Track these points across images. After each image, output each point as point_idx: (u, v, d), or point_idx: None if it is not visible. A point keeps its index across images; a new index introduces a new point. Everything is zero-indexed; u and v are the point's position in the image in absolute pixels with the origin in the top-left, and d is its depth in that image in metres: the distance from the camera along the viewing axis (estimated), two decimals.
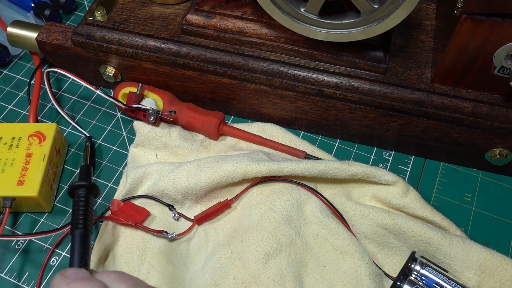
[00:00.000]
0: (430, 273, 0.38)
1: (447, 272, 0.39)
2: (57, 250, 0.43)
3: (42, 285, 0.42)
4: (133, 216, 0.42)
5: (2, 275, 0.42)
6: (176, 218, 0.44)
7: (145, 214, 0.43)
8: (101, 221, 0.44)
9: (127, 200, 0.44)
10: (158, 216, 0.44)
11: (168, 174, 0.44)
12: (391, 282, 0.40)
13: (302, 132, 0.51)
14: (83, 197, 0.34)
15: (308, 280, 0.40)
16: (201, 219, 0.43)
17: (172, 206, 0.43)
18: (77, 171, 0.48)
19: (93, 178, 0.47)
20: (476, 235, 0.44)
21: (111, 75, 0.50)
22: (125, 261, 0.41)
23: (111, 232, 0.43)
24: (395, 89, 0.44)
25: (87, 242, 0.32)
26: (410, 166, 0.49)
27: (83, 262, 0.31)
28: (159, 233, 0.42)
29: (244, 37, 0.45)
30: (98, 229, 0.44)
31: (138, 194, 0.44)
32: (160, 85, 0.50)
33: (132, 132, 0.50)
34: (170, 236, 0.42)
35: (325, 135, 0.51)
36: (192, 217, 0.44)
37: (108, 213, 0.43)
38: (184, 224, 0.44)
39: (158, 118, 0.48)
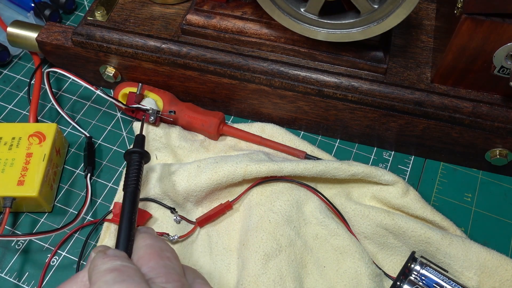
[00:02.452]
0: (430, 273, 0.38)
1: (447, 272, 0.39)
2: (57, 250, 0.43)
3: (43, 285, 0.42)
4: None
5: (2, 275, 0.42)
6: (177, 221, 0.44)
7: (147, 216, 0.43)
8: (103, 224, 0.44)
9: None
10: (159, 219, 0.44)
11: (169, 176, 0.44)
12: (391, 282, 0.40)
13: (302, 132, 0.51)
14: (136, 162, 0.39)
15: (308, 281, 0.40)
16: (202, 221, 0.43)
17: (174, 209, 0.43)
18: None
19: (93, 178, 0.48)
20: (476, 235, 0.44)
21: (111, 75, 0.50)
22: None
23: (113, 235, 0.43)
24: (395, 89, 0.44)
25: (136, 199, 0.37)
26: (410, 166, 0.49)
27: (130, 231, 0.34)
28: (161, 236, 0.42)
29: (244, 37, 0.45)
30: (100, 232, 0.44)
31: (140, 197, 0.44)
32: (160, 85, 0.50)
33: (132, 132, 0.50)
34: (172, 238, 0.42)
35: (325, 135, 0.51)
36: (194, 220, 0.44)
37: (110, 215, 0.43)
38: (186, 227, 0.44)
39: (158, 118, 0.48)
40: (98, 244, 0.43)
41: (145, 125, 0.48)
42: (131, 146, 0.41)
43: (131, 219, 0.35)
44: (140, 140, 0.42)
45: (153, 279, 0.29)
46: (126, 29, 0.47)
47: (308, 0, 0.41)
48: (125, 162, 0.47)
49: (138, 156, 0.40)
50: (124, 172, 0.39)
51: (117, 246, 0.33)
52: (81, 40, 0.48)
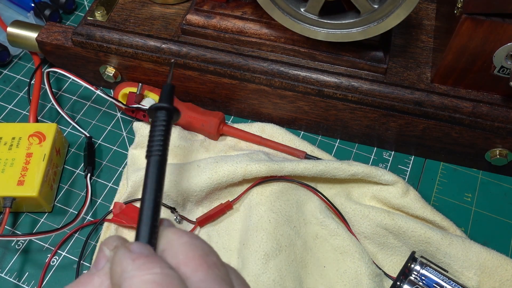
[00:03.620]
0: (430, 273, 0.38)
1: (447, 272, 0.39)
2: (58, 250, 0.43)
3: (43, 285, 0.42)
4: (136, 218, 0.42)
5: (2, 275, 0.42)
6: (178, 220, 0.44)
7: None
8: (103, 224, 0.44)
9: (129, 202, 0.43)
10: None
11: (169, 176, 0.44)
12: (391, 282, 0.40)
13: (302, 132, 0.51)
14: (163, 121, 0.29)
15: (308, 281, 0.40)
16: (203, 221, 0.43)
17: (174, 208, 0.43)
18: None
19: (93, 178, 0.48)
20: (476, 235, 0.44)
21: (111, 75, 0.50)
22: None
23: (114, 235, 0.42)
24: (395, 89, 0.44)
25: (163, 172, 0.28)
26: (410, 166, 0.49)
27: (155, 219, 0.26)
28: None
29: (244, 37, 0.45)
30: (100, 232, 0.44)
31: (140, 197, 0.44)
32: (160, 85, 0.50)
33: (132, 132, 0.50)
34: None
35: (325, 135, 0.51)
36: (194, 220, 0.44)
37: (110, 215, 0.43)
38: (186, 227, 0.44)
39: None
40: (98, 245, 0.42)
41: (145, 124, 0.48)
42: (157, 101, 0.31)
43: (156, 200, 0.26)
44: (168, 92, 0.30)
45: None
46: (126, 29, 0.47)
47: (308, 0, 0.41)
48: (125, 163, 0.45)
49: (165, 114, 0.29)
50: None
51: (137, 236, 0.25)
52: (81, 40, 0.48)
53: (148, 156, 0.28)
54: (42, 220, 0.45)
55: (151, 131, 0.29)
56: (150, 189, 0.27)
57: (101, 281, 0.22)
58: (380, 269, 0.41)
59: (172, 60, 0.41)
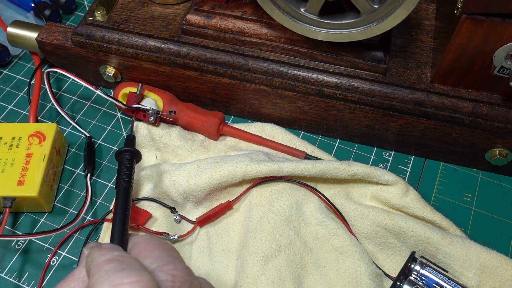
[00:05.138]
0: (430, 273, 0.38)
1: (447, 272, 0.39)
2: (57, 250, 0.43)
3: (43, 285, 0.42)
4: (135, 218, 0.42)
5: (2, 275, 0.42)
6: (177, 220, 0.44)
7: (147, 216, 0.43)
8: (103, 224, 0.44)
9: None
10: (160, 219, 0.44)
11: (169, 176, 0.44)
12: (391, 282, 0.40)
13: (302, 132, 0.51)
14: (128, 160, 0.40)
15: (307, 281, 0.40)
16: (202, 221, 0.43)
17: (174, 208, 0.43)
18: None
19: (93, 178, 0.48)
20: (476, 235, 0.44)
21: (111, 75, 0.50)
22: None
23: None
24: (395, 89, 0.44)
25: (129, 196, 0.38)
26: (410, 166, 0.49)
27: (123, 228, 0.34)
28: (161, 235, 0.42)
29: (244, 37, 0.45)
30: (100, 232, 0.44)
31: (140, 197, 0.44)
32: (160, 85, 0.50)
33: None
34: (172, 238, 0.42)
35: (325, 135, 0.51)
36: (194, 219, 0.44)
37: (110, 215, 0.43)
38: (186, 227, 0.44)
39: (158, 118, 0.48)
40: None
41: (145, 124, 0.48)
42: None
43: (125, 215, 0.35)
44: (130, 139, 0.43)
45: (161, 267, 0.28)
46: (126, 29, 0.47)
47: (308, 0, 0.41)
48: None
49: (129, 155, 0.41)
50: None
51: (111, 241, 0.33)
52: (81, 40, 0.48)
53: (117, 186, 0.38)
54: (42, 220, 0.45)
55: (119, 167, 0.40)
56: (121, 208, 0.36)
57: (80, 272, 0.30)
58: (380, 269, 0.41)
59: (133, 118, 0.48)
